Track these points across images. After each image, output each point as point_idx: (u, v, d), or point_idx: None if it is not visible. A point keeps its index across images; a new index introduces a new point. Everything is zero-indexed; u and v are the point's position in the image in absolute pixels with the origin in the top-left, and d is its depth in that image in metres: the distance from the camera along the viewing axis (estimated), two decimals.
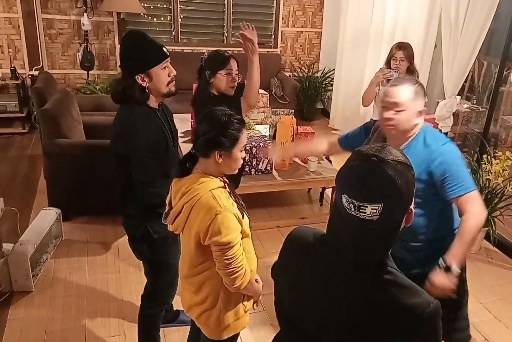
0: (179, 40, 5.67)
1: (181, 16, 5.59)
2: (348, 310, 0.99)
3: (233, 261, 1.47)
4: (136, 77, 1.74)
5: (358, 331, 0.98)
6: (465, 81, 3.97)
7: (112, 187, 1.97)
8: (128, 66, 1.78)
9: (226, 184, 1.55)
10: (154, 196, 1.81)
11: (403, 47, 3.25)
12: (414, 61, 3.33)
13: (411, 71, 3.32)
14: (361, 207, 0.93)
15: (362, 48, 5.16)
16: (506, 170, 3.16)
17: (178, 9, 5.52)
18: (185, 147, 3.29)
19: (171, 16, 5.55)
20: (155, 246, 1.92)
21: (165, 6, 5.50)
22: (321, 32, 6.12)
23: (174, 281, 2.08)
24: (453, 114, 3.92)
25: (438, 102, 4.06)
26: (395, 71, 3.24)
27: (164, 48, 1.78)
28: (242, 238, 1.52)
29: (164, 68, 1.78)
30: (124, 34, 1.79)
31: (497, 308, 2.78)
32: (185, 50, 5.65)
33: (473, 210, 1.66)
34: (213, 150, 1.48)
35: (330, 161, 3.72)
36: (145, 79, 1.75)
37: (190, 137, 3.69)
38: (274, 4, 5.85)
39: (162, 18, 5.55)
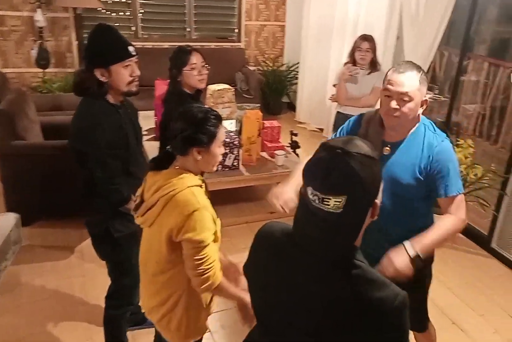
0: (140, 36, 5.54)
1: (141, 11, 5.44)
2: (325, 306, 0.97)
3: (203, 262, 1.44)
4: (94, 70, 1.72)
5: (338, 327, 0.96)
6: (427, 72, 4.03)
7: (75, 186, 1.92)
8: (89, 59, 1.77)
9: (204, 183, 1.54)
10: (115, 193, 1.81)
11: (368, 38, 3.29)
12: (376, 53, 3.37)
13: (374, 63, 3.36)
14: (325, 199, 0.93)
15: (326, 41, 5.18)
16: (468, 157, 3.24)
17: (137, 3, 5.37)
18: (149, 145, 3.21)
19: (130, 11, 5.40)
20: (116, 245, 1.90)
21: (124, 0, 5.34)
22: (285, 26, 6.10)
23: (138, 280, 2.03)
24: None
25: None
26: (361, 68, 3.31)
27: (130, 47, 1.76)
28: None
29: (126, 66, 1.75)
30: (93, 27, 1.78)
31: (463, 292, 2.85)
32: (146, 46, 5.51)
33: (458, 214, 1.62)
34: (191, 147, 1.46)
35: (297, 155, 3.71)
36: (104, 75, 1.73)
37: (154, 135, 3.61)
38: None
39: (121, 13, 5.39)
